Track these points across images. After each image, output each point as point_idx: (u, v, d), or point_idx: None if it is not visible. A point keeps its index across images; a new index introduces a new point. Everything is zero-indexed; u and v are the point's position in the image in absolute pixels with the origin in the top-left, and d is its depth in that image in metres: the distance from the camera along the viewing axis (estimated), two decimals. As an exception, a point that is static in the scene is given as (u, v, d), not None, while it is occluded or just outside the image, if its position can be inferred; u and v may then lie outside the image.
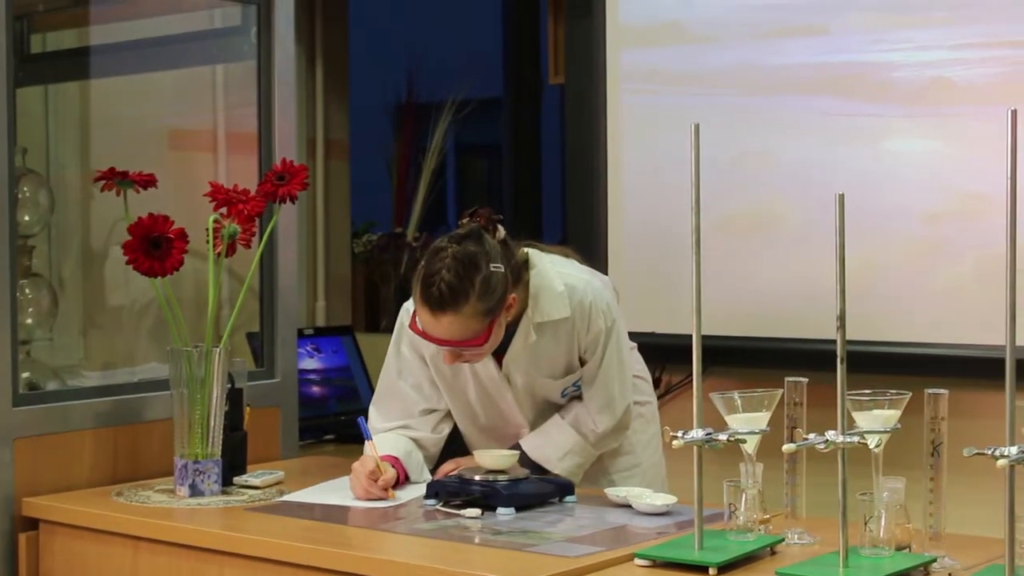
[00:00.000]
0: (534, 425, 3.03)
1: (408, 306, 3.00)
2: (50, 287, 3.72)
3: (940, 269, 3.72)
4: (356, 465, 2.82)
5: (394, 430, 3.01)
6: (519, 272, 2.89)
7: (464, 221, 2.88)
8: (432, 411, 3.04)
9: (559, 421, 3.00)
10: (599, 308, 2.96)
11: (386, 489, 2.78)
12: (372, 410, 3.08)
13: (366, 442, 2.86)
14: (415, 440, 3.01)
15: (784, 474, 2.41)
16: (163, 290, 2.84)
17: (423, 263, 2.80)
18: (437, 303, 2.73)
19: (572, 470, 2.98)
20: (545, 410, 3.04)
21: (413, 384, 3.04)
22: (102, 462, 3.00)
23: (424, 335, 2.80)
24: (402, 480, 2.90)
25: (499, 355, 2.94)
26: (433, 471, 3.00)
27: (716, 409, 2.33)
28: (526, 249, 2.98)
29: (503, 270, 2.79)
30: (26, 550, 2.82)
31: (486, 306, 2.75)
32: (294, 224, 3.45)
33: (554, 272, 2.97)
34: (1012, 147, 1.87)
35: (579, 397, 3.02)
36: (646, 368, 3.26)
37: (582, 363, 2.98)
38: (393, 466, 2.86)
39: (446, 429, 3.07)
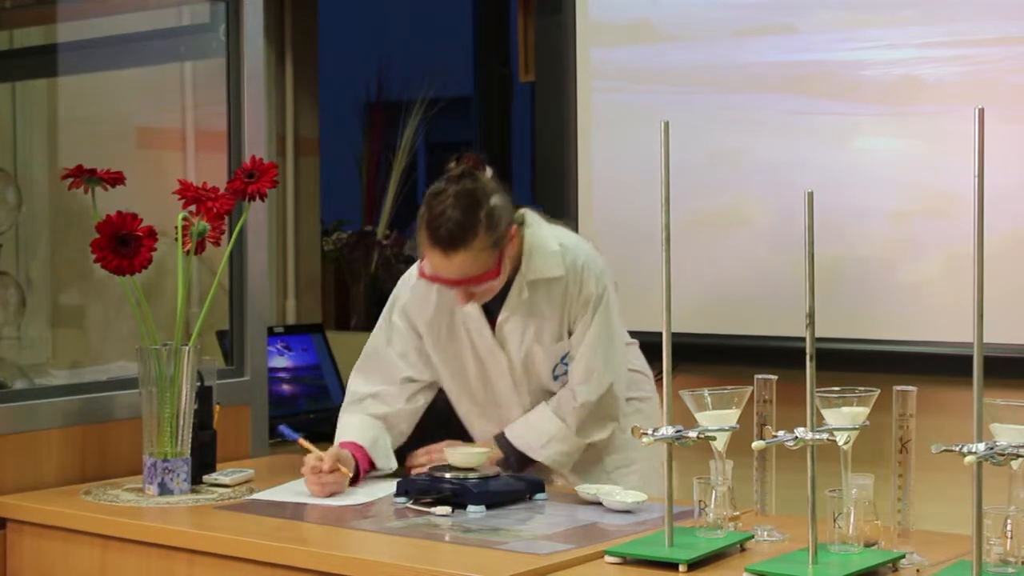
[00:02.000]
0: (527, 411, 3.04)
1: (406, 278, 3.07)
2: (17, 285, 3.70)
3: (908, 267, 3.74)
4: (302, 470, 2.82)
5: (364, 405, 3.03)
6: (512, 221, 2.92)
7: (452, 165, 2.91)
8: (413, 380, 3.06)
9: (542, 408, 3.01)
10: (591, 271, 2.97)
11: (335, 470, 2.78)
12: (353, 374, 3.10)
13: (298, 443, 2.88)
14: (384, 417, 3.02)
15: (754, 471, 2.41)
16: (132, 288, 2.83)
17: (424, 209, 2.83)
18: (448, 242, 2.77)
19: (556, 459, 2.98)
20: (538, 396, 3.03)
21: (399, 352, 3.06)
22: (70, 461, 2.98)
23: (437, 279, 2.84)
24: (365, 469, 2.91)
25: (493, 320, 2.97)
26: (404, 450, 2.98)
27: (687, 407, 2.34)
28: (523, 210, 3.01)
29: (502, 202, 2.85)
30: (-6, 549, 2.81)
31: (493, 238, 2.80)
32: (264, 222, 3.44)
33: (549, 232, 3.00)
34: (979, 145, 1.88)
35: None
36: (646, 364, 3.24)
37: (571, 335, 2.99)
38: (354, 455, 2.88)
39: (422, 400, 3.08)
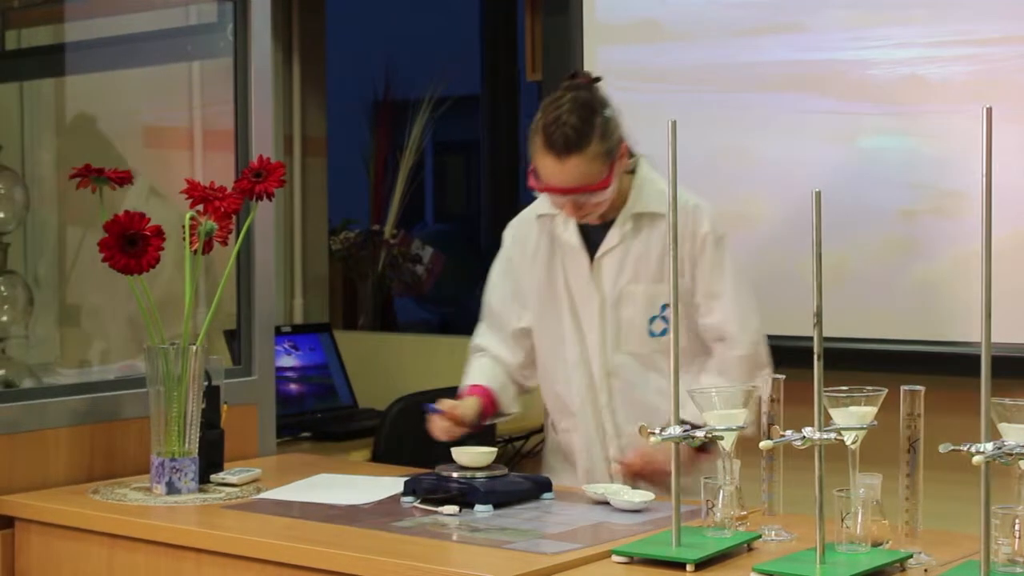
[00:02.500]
0: (614, 372, 2.99)
1: (512, 223, 3.15)
2: (25, 284, 3.70)
3: (916, 266, 3.74)
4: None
5: (484, 355, 3.12)
6: (623, 138, 2.94)
7: (566, 82, 2.95)
8: (523, 331, 3.12)
9: (704, 378, 2.90)
10: (705, 212, 2.96)
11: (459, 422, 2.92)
12: (477, 326, 3.19)
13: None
14: (504, 366, 3.10)
15: (761, 471, 2.41)
16: (139, 287, 2.84)
17: (539, 115, 2.88)
18: (563, 146, 2.81)
19: None
20: (627, 363, 2.99)
21: (505, 299, 3.13)
22: (78, 460, 2.99)
23: (547, 189, 2.87)
24: (489, 411, 3.02)
25: (592, 252, 2.99)
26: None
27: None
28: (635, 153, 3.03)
29: (615, 116, 2.89)
30: (1, 548, 2.80)
31: (606, 147, 2.83)
32: (271, 221, 3.45)
33: (660, 175, 2.98)
34: (987, 144, 1.88)
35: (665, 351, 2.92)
36: None
37: (686, 286, 2.94)
38: (480, 398, 3.00)
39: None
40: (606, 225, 2.98)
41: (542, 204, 3.04)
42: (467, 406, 2.98)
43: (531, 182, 2.91)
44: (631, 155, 2.97)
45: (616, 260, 2.98)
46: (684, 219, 2.88)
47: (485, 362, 3.12)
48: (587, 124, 2.81)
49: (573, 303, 3.03)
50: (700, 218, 2.95)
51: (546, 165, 2.84)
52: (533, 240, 3.08)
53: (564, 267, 3.04)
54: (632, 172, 3.00)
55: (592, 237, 2.99)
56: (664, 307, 2.97)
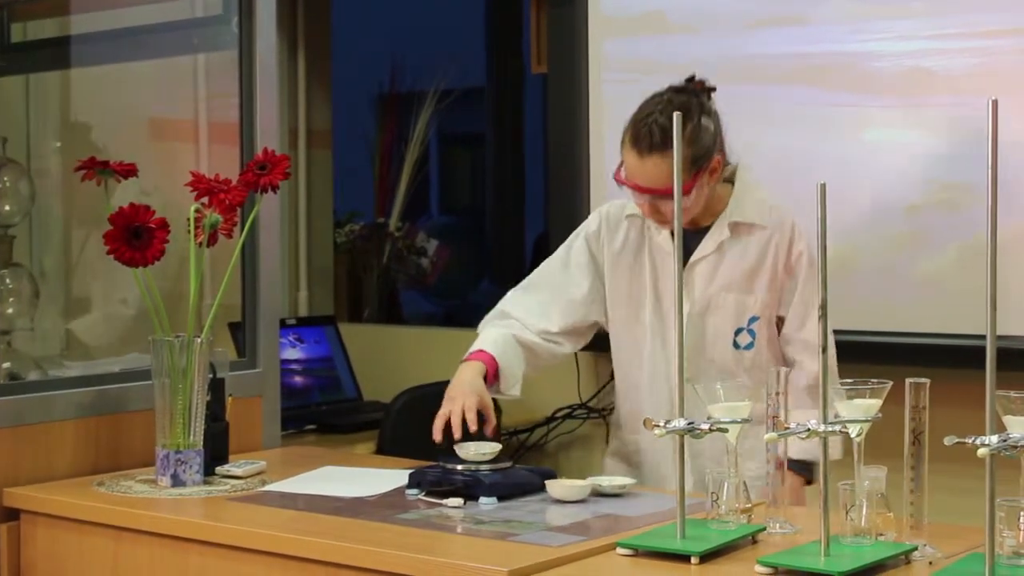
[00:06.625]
0: (693, 378, 2.82)
1: (601, 209, 3.12)
2: (31, 277, 3.71)
3: (921, 258, 3.73)
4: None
5: (510, 324, 3.05)
6: (725, 150, 2.94)
7: (679, 84, 2.97)
8: (568, 320, 3.08)
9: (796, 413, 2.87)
10: (801, 233, 2.97)
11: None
12: (512, 293, 3.13)
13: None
14: (527, 345, 3.04)
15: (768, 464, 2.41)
16: (144, 280, 2.84)
17: (637, 110, 2.89)
18: (647, 143, 2.82)
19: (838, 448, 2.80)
20: (710, 375, 2.89)
21: (566, 282, 3.09)
22: (83, 452, 2.99)
23: (627, 183, 2.86)
24: (490, 383, 2.95)
25: (686, 259, 2.96)
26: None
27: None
28: (738, 162, 3.04)
29: (713, 130, 2.88)
30: (7, 541, 2.81)
31: (693, 154, 2.82)
32: (276, 214, 3.45)
33: (760, 184, 3.02)
34: (992, 137, 1.88)
35: (749, 368, 2.95)
36: None
37: (774, 300, 2.95)
38: (486, 366, 2.93)
39: (562, 349, 3.10)
40: (701, 231, 2.98)
41: (632, 204, 3.02)
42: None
43: (617, 175, 2.91)
44: (727, 164, 2.98)
45: (709, 267, 2.98)
46: (782, 232, 2.95)
47: (503, 333, 3.05)
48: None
49: (660, 306, 3.03)
50: (797, 238, 2.97)
51: (629, 160, 2.86)
52: (621, 238, 3.06)
53: (655, 269, 3.03)
54: (731, 181, 3.01)
55: (687, 243, 2.94)
56: (752, 319, 2.98)
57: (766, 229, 2.97)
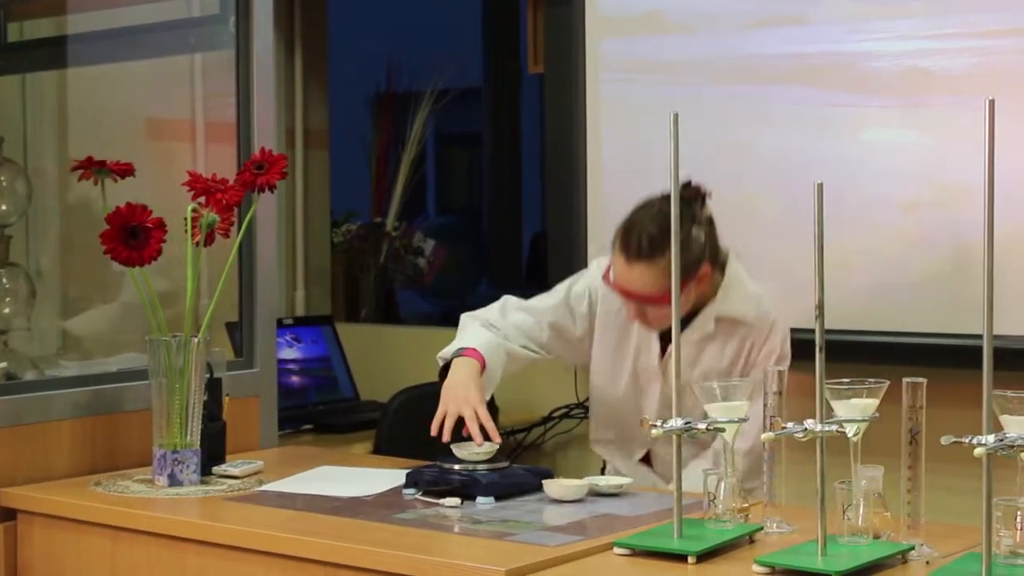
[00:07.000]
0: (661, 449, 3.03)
1: (600, 261, 3.09)
2: (28, 276, 3.71)
3: (918, 258, 3.73)
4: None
5: (497, 333, 3.06)
6: (717, 255, 2.95)
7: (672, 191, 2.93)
8: (540, 348, 3.09)
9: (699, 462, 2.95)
10: (780, 331, 2.99)
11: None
12: (503, 304, 3.13)
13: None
14: (507, 352, 3.04)
15: (763, 463, 2.41)
16: (141, 280, 2.84)
17: (629, 214, 2.89)
18: (635, 251, 2.83)
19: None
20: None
21: (553, 322, 3.09)
22: (80, 452, 2.99)
23: (615, 286, 2.88)
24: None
25: (665, 345, 2.98)
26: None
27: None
28: (731, 252, 3.03)
29: (703, 240, 2.88)
30: (4, 540, 2.81)
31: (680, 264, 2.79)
32: (273, 213, 3.44)
33: (750, 279, 3.03)
34: (990, 137, 1.88)
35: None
36: None
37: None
38: (477, 361, 2.93)
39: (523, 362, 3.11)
40: (685, 318, 2.95)
41: None
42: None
43: (605, 276, 2.93)
44: (718, 264, 2.97)
45: (688, 357, 2.97)
46: (759, 329, 2.97)
47: (493, 338, 3.04)
48: (665, 236, 2.72)
49: (637, 380, 3.07)
50: (774, 333, 2.99)
51: (618, 265, 2.88)
52: (617, 301, 3.04)
53: (637, 346, 3.05)
54: (722, 270, 3.00)
55: (668, 330, 2.95)
56: None
57: (750, 324, 2.98)
